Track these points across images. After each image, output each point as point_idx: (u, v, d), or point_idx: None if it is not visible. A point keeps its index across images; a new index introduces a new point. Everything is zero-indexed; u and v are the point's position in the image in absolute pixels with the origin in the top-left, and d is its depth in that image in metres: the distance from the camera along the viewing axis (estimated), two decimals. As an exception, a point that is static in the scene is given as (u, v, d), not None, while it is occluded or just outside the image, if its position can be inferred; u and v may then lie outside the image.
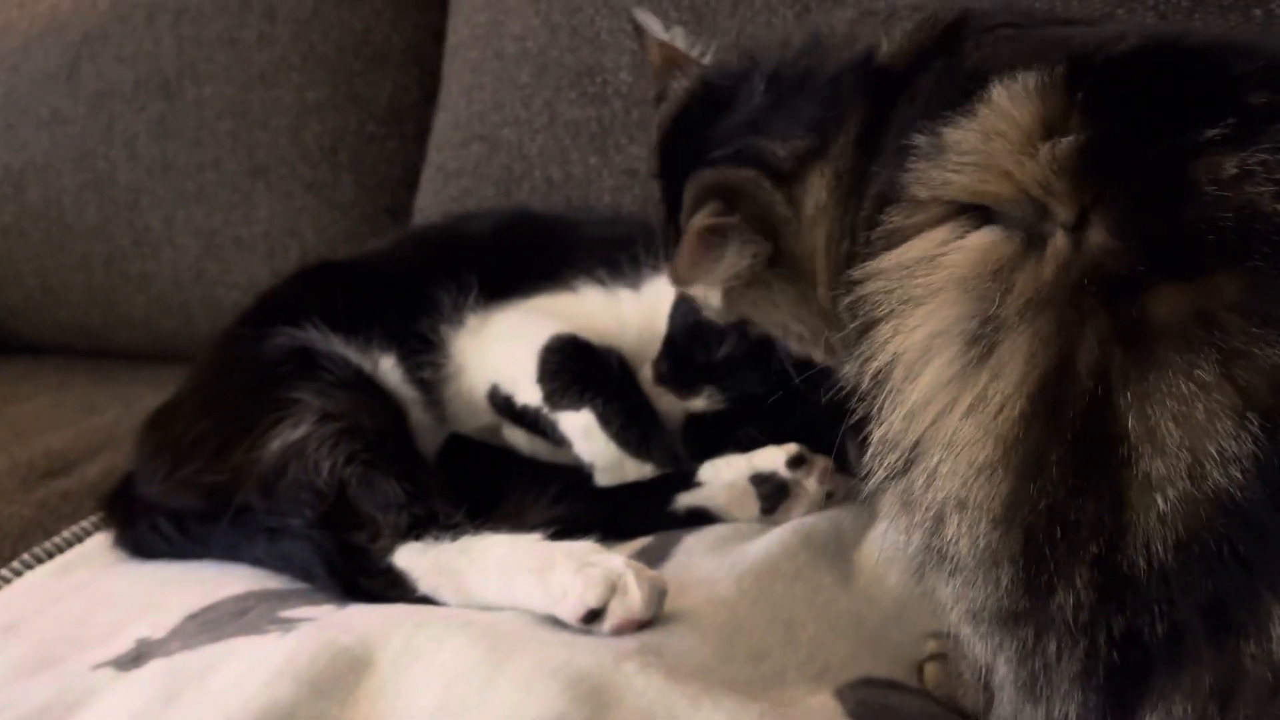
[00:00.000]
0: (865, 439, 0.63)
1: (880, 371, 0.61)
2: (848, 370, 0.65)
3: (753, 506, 0.90)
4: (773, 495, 0.89)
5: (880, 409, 0.61)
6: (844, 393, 0.68)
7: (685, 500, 0.91)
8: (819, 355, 0.79)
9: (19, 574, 1.07)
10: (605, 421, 0.93)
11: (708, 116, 0.79)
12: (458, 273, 1.08)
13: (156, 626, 0.82)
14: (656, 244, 1.06)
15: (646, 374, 0.98)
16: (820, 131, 0.74)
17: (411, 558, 0.81)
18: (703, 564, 0.81)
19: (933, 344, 0.58)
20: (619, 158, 1.30)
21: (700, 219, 0.73)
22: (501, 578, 0.76)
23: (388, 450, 0.91)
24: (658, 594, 0.72)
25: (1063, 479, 0.54)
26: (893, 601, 0.79)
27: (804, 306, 0.77)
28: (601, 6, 1.30)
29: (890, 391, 0.60)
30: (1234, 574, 0.49)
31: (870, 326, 0.62)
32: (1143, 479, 0.51)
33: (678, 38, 0.86)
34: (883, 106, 0.72)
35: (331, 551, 0.86)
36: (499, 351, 1.03)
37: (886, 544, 0.64)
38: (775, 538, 0.83)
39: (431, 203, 1.48)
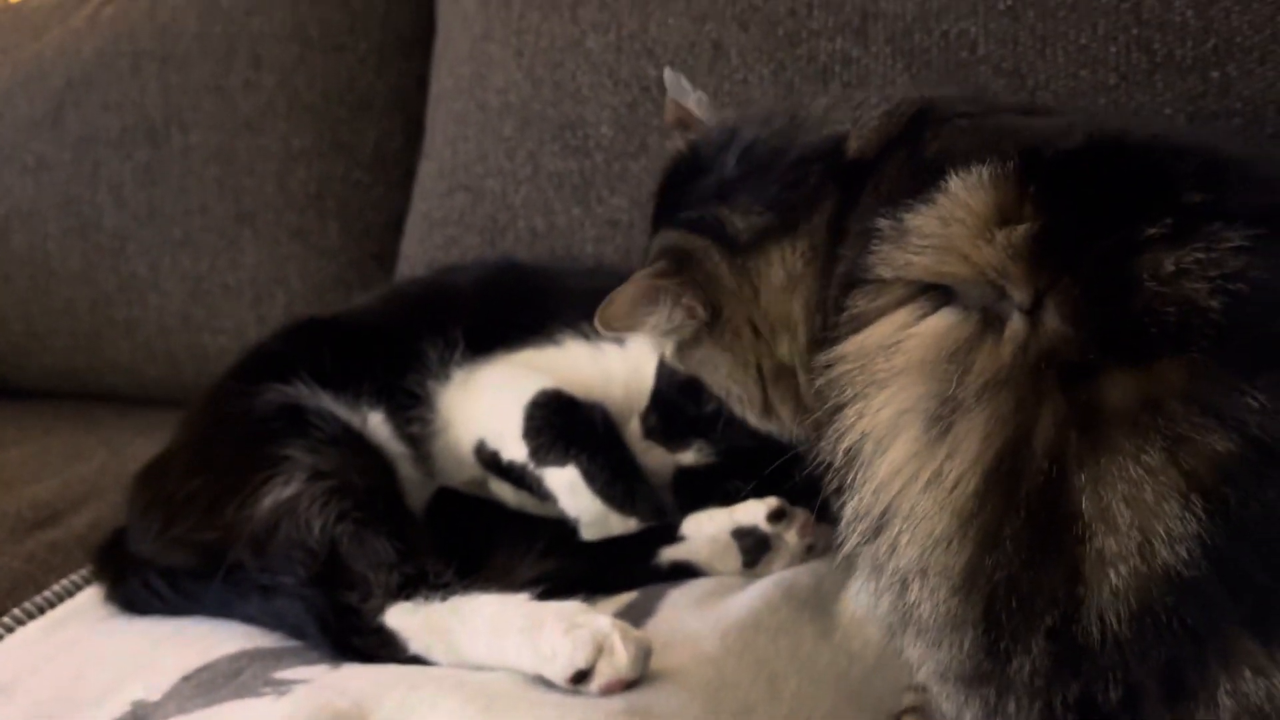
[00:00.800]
0: (840, 507, 0.66)
1: (851, 448, 0.64)
2: (823, 446, 0.68)
3: (735, 560, 0.92)
4: (754, 549, 0.92)
5: (853, 481, 0.64)
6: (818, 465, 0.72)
7: (669, 554, 0.94)
8: (754, 419, 0.85)
9: (11, 630, 1.08)
10: (590, 477, 0.96)
11: (688, 179, 0.84)
12: (444, 327, 1.10)
13: (151, 688, 0.83)
14: None
15: (635, 427, 1.01)
16: (779, 210, 0.79)
17: (402, 618, 0.83)
18: (687, 620, 0.83)
19: (899, 422, 0.62)
20: (601, 209, 1.33)
21: (643, 274, 0.80)
22: (492, 638, 0.78)
23: (378, 508, 0.93)
24: (643, 653, 0.74)
25: (1018, 552, 0.57)
26: (873, 654, 0.81)
27: (742, 371, 0.82)
28: (583, 62, 1.33)
29: (861, 466, 0.63)
30: (1185, 644, 0.52)
31: (840, 408, 0.65)
32: (1096, 556, 0.55)
33: (701, 103, 0.90)
34: (850, 193, 0.77)
35: (324, 610, 0.87)
36: (485, 407, 1.05)
37: (861, 602, 0.67)
38: (758, 592, 0.86)
39: (417, 250, 1.50)
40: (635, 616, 0.83)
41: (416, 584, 0.85)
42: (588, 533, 0.97)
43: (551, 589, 0.83)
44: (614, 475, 0.95)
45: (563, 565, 0.91)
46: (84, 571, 1.17)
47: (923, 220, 0.64)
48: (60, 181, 1.73)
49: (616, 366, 1.06)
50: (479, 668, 0.78)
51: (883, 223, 0.66)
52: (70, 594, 1.14)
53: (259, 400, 1.04)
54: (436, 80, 1.55)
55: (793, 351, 0.81)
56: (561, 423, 0.99)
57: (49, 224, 1.73)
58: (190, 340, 1.67)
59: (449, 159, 1.47)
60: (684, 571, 0.93)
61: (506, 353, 1.10)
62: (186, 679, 0.84)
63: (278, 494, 0.95)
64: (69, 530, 1.30)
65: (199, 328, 1.67)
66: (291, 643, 0.90)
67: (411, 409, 1.07)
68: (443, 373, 1.08)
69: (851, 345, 0.65)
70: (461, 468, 1.07)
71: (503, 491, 1.06)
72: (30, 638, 1.05)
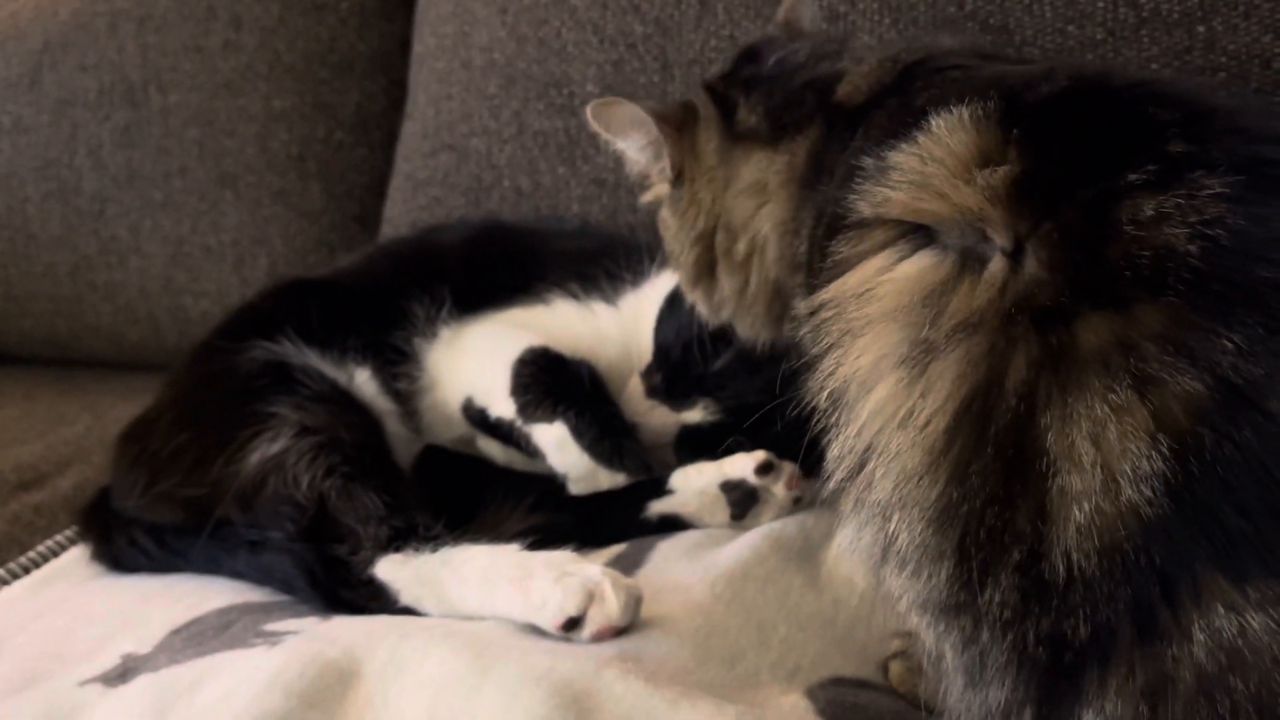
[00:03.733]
0: (826, 446, 0.66)
1: (835, 392, 0.65)
2: (809, 389, 0.69)
3: (723, 512, 0.93)
4: (742, 501, 0.92)
5: (837, 422, 0.65)
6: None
7: (657, 507, 0.94)
8: (685, 287, 0.92)
9: (-4, 589, 1.08)
10: (578, 433, 0.96)
11: (745, 62, 0.91)
12: (430, 285, 1.09)
13: (141, 641, 0.83)
14: (629, 258, 1.09)
15: (634, 387, 1.01)
16: (772, 120, 0.85)
17: (392, 569, 0.83)
18: (677, 570, 0.84)
19: (879, 365, 0.62)
20: (586, 168, 1.32)
21: (656, 106, 0.88)
22: (482, 588, 0.79)
23: (366, 463, 0.93)
24: (634, 601, 0.75)
25: (985, 488, 0.58)
26: (860, 602, 0.82)
27: (684, 241, 0.90)
28: (568, 19, 1.32)
29: (844, 408, 0.64)
30: (1154, 583, 0.53)
31: (824, 353, 0.66)
32: (1059, 492, 0.55)
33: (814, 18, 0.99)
34: (835, 131, 0.78)
35: (312, 564, 0.87)
36: (472, 364, 1.05)
37: (849, 548, 0.67)
38: (746, 542, 0.86)
39: (401, 211, 1.49)
40: (625, 567, 0.83)
41: (406, 536, 0.85)
42: (575, 488, 0.97)
43: (540, 542, 0.83)
44: (602, 431, 0.96)
45: (551, 518, 0.91)
46: (69, 532, 1.17)
47: (903, 158, 0.64)
48: (38, 144, 1.71)
49: (610, 326, 1.06)
50: (470, 618, 0.79)
51: (867, 161, 0.67)
52: (55, 554, 1.14)
53: (245, 358, 1.04)
54: (419, 40, 1.53)
55: (759, 261, 0.86)
56: (549, 379, 0.99)
57: (27, 187, 1.71)
58: (172, 303, 1.66)
59: (432, 119, 1.46)
60: (672, 524, 0.94)
61: (494, 311, 1.10)
62: (175, 632, 0.84)
63: (265, 450, 0.95)
64: (54, 492, 1.30)
65: (180, 291, 1.65)
66: (280, 597, 0.90)
67: (398, 366, 1.07)
68: (430, 330, 1.08)
69: (831, 292, 0.66)
70: (449, 425, 1.07)
71: (490, 448, 1.06)
72: (16, 597, 1.05)
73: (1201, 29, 1.02)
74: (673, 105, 0.88)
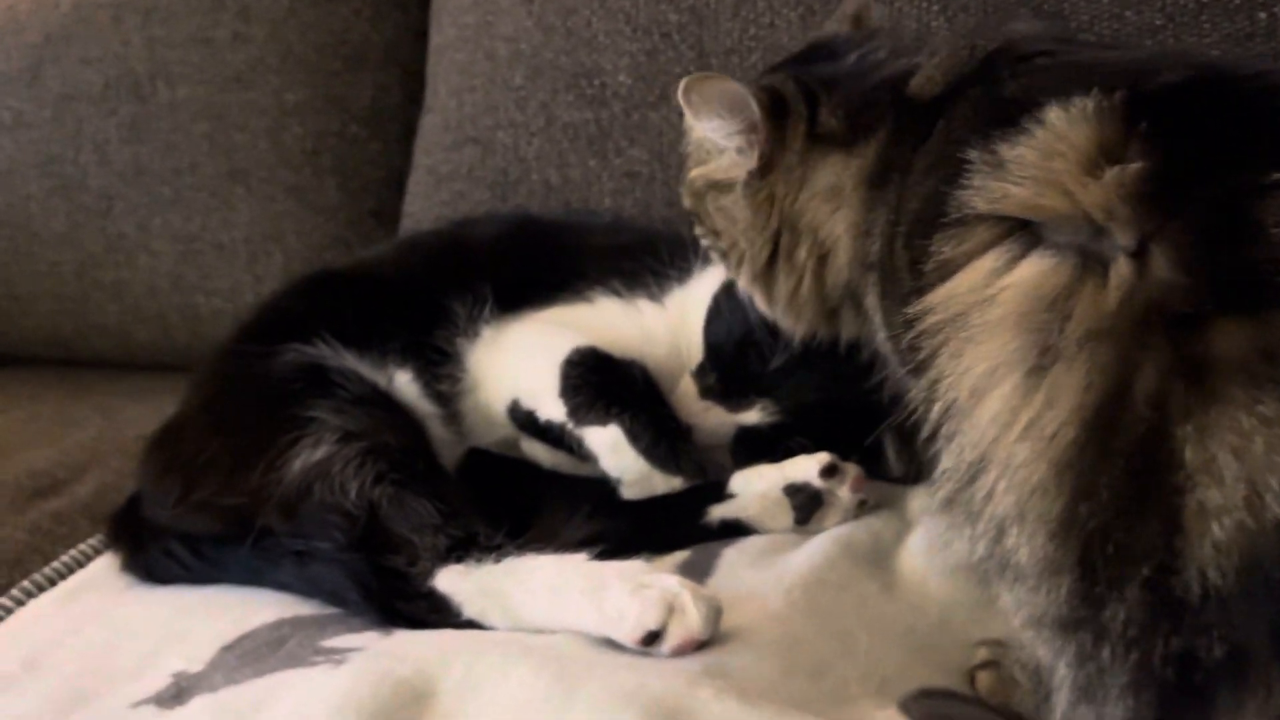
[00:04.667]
0: (935, 456, 0.64)
1: (946, 399, 0.62)
2: (914, 395, 0.66)
3: (786, 517, 0.90)
4: (806, 505, 0.89)
5: (948, 431, 0.62)
6: (890, 398, 0.75)
7: (718, 512, 0.91)
8: (743, 281, 0.89)
9: (21, 603, 1.04)
10: (633, 436, 0.93)
11: (822, 57, 0.88)
12: (470, 282, 1.06)
13: (191, 659, 0.80)
14: (673, 253, 1.06)
15: (686, 387, 0.98)
16: (850, 123, 0.82)
17: (454, 581, 0.80)
18: (748, 578, 0.81)
19: (996, 373, 0.60)
20: (619, 161, 1.29)
21: (748, 85, 0.83)
22: (552, 600, 0.76)
23: (416, 469, 0.90)
24: (714, 613, 0.72)
25: (1114, 501, 0.56)
26: (937, 609, 0.80)
27: (757, 236, 0.86)
28: (598, 8, 1.29)
29: (957, 416, 0.62)
30: None
31: (933, 358, 0.63)
32: (1197, 508, 0.53)
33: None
34: (905, 128, 0.76)
35: (366, 576, 0.84)
36: (518, 365, 1.02)
37: (949, 552, 0.65)
38: (816, 548, 0.84)
39: (422, 206, 1.46)
40: (693, 575, 0.80)
41: (466, 546, 0.82)
42: (629, 493, 0.94)
43: (601, 550, 0.80)
44: (658, 434, 0.93)
45: (610, 525, 0.88)
46: (93, 541, 1.13)
47: (1021, 151, 0.62)
48: (40, 140, 1.66)
49: (656, 325, 1.03)
50: (538, 631, 0.76)
51: (973, 154, 0.64)
52: (80, 564, 1.10)
53: (278, 360, 1.00)
54: (437, 30, 1.50)
55: (827, 264, 0.84)
56: (600, 381, 0.96)
57: (30, 184, 1.67)
58: (182, 302, 1.62)
59: (454, 111, 1.42)
60: (733, 530, 0.91)
61: (534, 310, 1.06)
62: (227, 648, 0.81)
63: (307, 456, 0.91)
64: (72, 499, 1.26)
65: (191, 289, 1.61)
66: (330, 610, 0.87)
67: (440, 367, 1.03)
68: (471, 330, 1.05)
69: (940, 295, 0.64)
70: (492, 428, 1.04)
71: (536, 451, 1.02)
72: (44, 610, 1.01)
73: (1263, 15, 1.00)
74: (764, 89, 0.84)
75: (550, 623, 0.75)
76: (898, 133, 0.78)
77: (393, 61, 1.61)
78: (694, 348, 1.01)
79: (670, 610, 0.71)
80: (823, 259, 0.84)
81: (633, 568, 0.75)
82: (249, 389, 1.02)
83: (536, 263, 1.11)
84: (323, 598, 0.88)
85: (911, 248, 0.70)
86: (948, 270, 0.64)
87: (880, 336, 0.82)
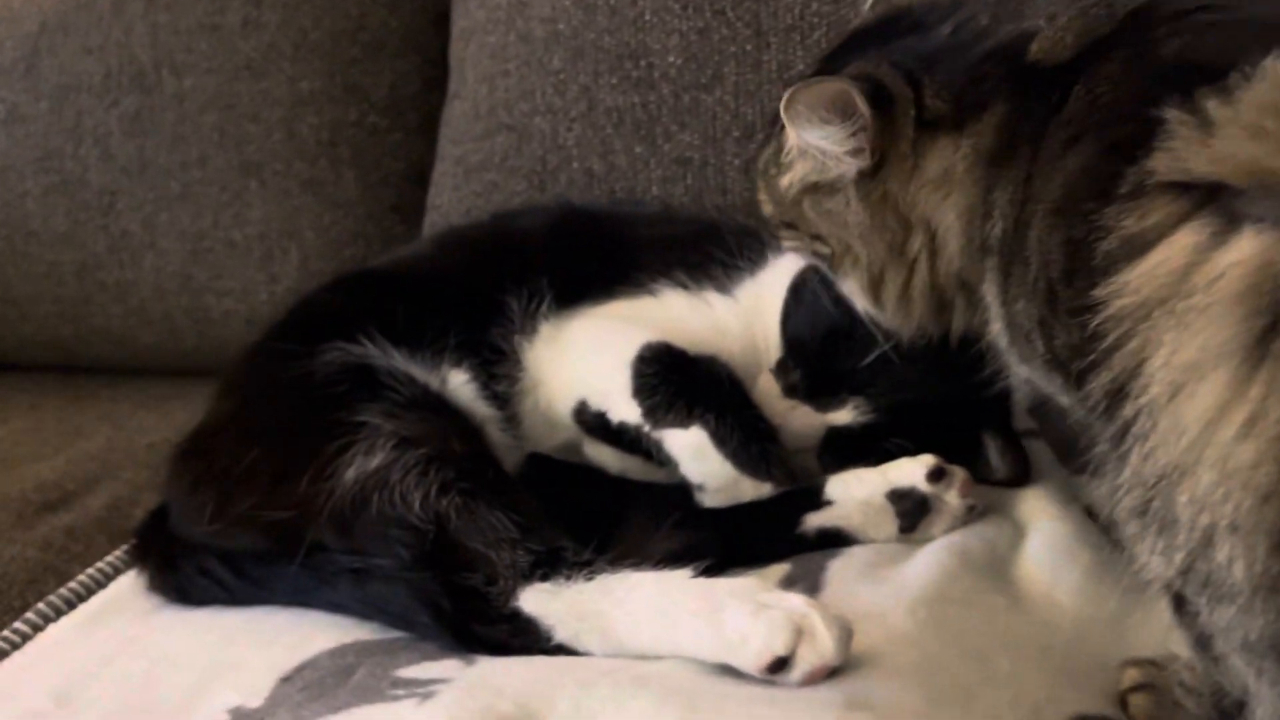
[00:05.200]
0: (1121, 457, 0.57)
1: (1139, 393, 0.55)
2: (1092, 390, 0.59)
3: (890, 525, 0.83)
4: (912, 512, 0.82)
5: (1139, 430, 0.55)
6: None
7: (815, 521, 0.84)
8: (859, 290, 0.82)
9: (39, 627, 0.96)
10: (720, 439, 0.85)
11: (904, 30, 0.81)
12: (523, 276, 0.98)
13: (247, 692, 0.72)
14: (741, 242, 0.99)
15: (766, 386, 0.90)
16: (958, 102, 0.75)
17: (541, 602, 0.72)
18: (862, 593, 0.74)
19: (1202, 363, 0.53)
20: (668, 146, 1.21)
21: (847, 83, 0.76)
22: (659, 622, 0.68)
23: (486, 477, 0.82)
24: (847, 635, 0.64)
25: None
26: (1071, 624, 0.73)
27: (877, 239, 0.79)
28: (645, -14, 1.21)
29: (1151, 411, 0.54)
30: None
31: (1118, 347, 0.56)
32: None
33: None
34: (1032, 99, 0.71)
35: (437, 596, 0.76)
36: (583, 364, 0.94)
37: (1141, 569, 0.58)
38: (932, 559, 0.77)
39: (450, 199, 1.38)
40: (802, 591, 0.73)
41: (552, 562, 0.74)
42: (711, 500, 0.87)
43: (693, 564, 0.73)
44: (746, 436, 0.85)
45: (702, 537, 0.80)
46: (111, 558, 1.05)
47: (1239, 109, 0.54)
48: (37, 134, 1.58)
49: (728, 319, 0.95)
50: (640, 657, 0.68)
51: (1171, 113, 0.57)
52: (100, 584, 1.02)
53: (320, 360, 0.92)
54: (462, 14, 1.42)
55: (937, 255, 0.78)
56: (679, 379, 0.88)
57: (26, 181, 1.58)
58: (191, 303, 1.54)
59: (485, 98, 1.34)
60: (831, 540, 0.83)
61: (592, 305, 0.99)
62: (286, 680, 0.73)
63: (362, 465, 0.84)
64: (85, 513, 1.18)
65: (201, 289, 1.53)
66: (394, 634, 0.79)
67: (497, 366, 0.95)
68: (528, 326, 0.97)
69: (1133, 276, 0.56)
70: (553, 431, 0.97)
71: (602, 456, 0.95)
72: (66, 636, 0.93)
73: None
74: (864, 81, 0.77)
75: (657, 648, 0.68)
76: (1020, 104, 0.71)
77: (412, 48, 1.54)
78: (771, 342, 0.94)
79: (799, 633, 0.63)
80: (934, 250, 0.77)
81: (747, 585, 0.68)
82: (289, 392, 0.94)
83: (590, 254, 1.04)
84: (385, 620, 0.80)
85: (1064, 225, 0.62)
86: (1134, 248, 0.57)
87: (996, 327, 0.75)
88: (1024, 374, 0.76)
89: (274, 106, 1.50)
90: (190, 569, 0.90)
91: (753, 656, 0.63)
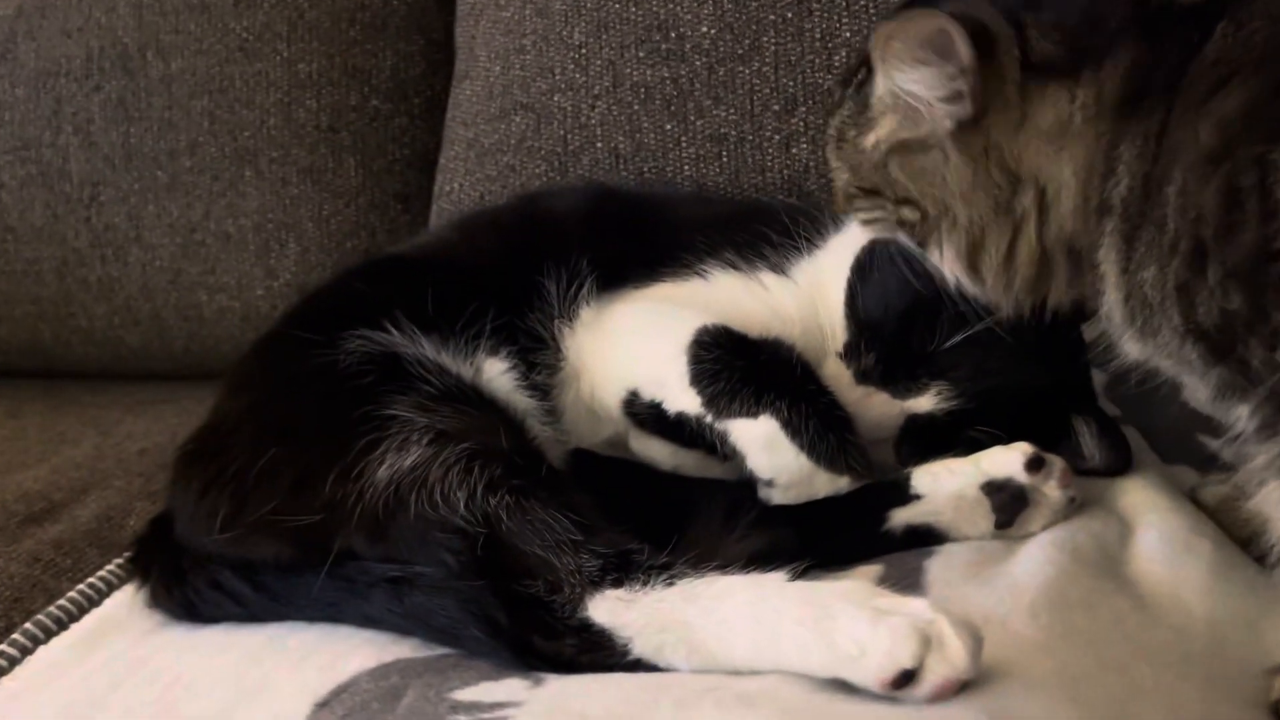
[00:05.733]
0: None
1: None
2: (1250, 356, 0.52)
3: (985, 520, 0.75)
4: (1009, 506, 0.75)
5: None
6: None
7: (902, 516, 0.76)
8: (953, 256, 0.74)
9: (28, 650, 0.86)
10: (793, 430, 0.77)
11: None
12: (561, 257, 0.90)
13: (281, 720, 0.63)
14: (795, 220, 0.91)
15: (835, 372, 0.82)
16: (1072, 45, 0.69)
17: (614, 611, 0.64)
18: (970, 595, 0.66)
19: None
20: (701, 123, 1.14)
21: (948, 21, 0.68)
22: (757, 632, 0.60)
23: (539, 473, 0.73)
24: (978, 645, 0.56)
25: None
26: (1205, 628, 0.66)
27: (983, 197, 0.72)
28: (675, -49, 1.14)
29: None
30: None
31: None
32: None
33: None
34: (1169, 40, 0.65)
35: (490, 607, 0.68)
36: (632, 350, 0.86)
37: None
38: (1042, 557, 0.69)
39: (461, 185, 1.29)
40: (899, 592, 0.64)
41: (623, 566, 0.66)
42: (782, 497, 0.79)
43: (782, 565, 0.65)
44: (822, 425, 0.77)
45: (778, 536, 0.72)
46: (103, 572, 0.97)
47: None
48: (13, 122, 1.50)
49: (786, 301, 0.87)
50: (734, 672, 0.60)
51: None
52: (94, 601, 0.93)
53: (342, 350, 0.84)
54: (471, -10, 1.34)
55: (1047, 215, 0.71)
56: (743, 364, 0.80)
57: (3, 173, 1.51)
58: (181, 300, 1.46)
59: (499, 76, 1.26)
60: (921, 538, 0.76)
61: (637, 288, 0.91)
62: (323, 705, 0.64)
63: (395, 462, 0.75)
64: (74, 524, 1.09)
65: (192, 285, 1.45)
66: (439, 650, 0.70)
67: (536, 354, 0.87)
68: (568, 311, 0.89)
69: None
70: (597, 424, 0.88)
71: (653, 451, 0.86)
72: (60, 658, 0.84)
73: None
74: (963, 20, 0.69)
75: (755, 662, 0.59)
76: (1152, 49, 0.64)
77: (415, 28, 1.47)
78: (836, 326, 0.86)
79: (926, 642, 0.55)
80: (1044, 209, 0.70)
81: (860, 589, 0.60)
82: (309, 384, 0.85)
83: (630, 235, 0.96)
84: (428, 635, 0.71)
85: (1222, 174, 0.55)
86: None
87: (1112, 299, 0.68)
88: (1137, 352, 0.69)
89: (269, 90, 1.43)
90: (200, 582, 0.82)
91: (874, 670, 0.55)
